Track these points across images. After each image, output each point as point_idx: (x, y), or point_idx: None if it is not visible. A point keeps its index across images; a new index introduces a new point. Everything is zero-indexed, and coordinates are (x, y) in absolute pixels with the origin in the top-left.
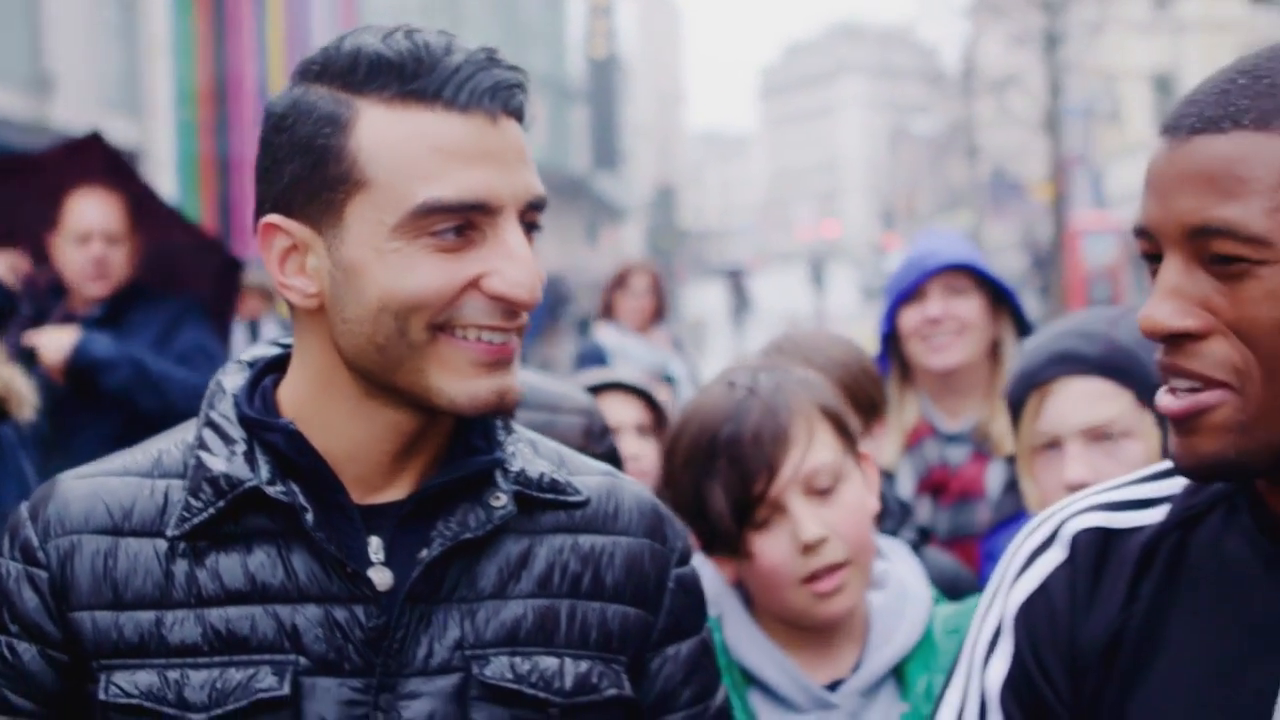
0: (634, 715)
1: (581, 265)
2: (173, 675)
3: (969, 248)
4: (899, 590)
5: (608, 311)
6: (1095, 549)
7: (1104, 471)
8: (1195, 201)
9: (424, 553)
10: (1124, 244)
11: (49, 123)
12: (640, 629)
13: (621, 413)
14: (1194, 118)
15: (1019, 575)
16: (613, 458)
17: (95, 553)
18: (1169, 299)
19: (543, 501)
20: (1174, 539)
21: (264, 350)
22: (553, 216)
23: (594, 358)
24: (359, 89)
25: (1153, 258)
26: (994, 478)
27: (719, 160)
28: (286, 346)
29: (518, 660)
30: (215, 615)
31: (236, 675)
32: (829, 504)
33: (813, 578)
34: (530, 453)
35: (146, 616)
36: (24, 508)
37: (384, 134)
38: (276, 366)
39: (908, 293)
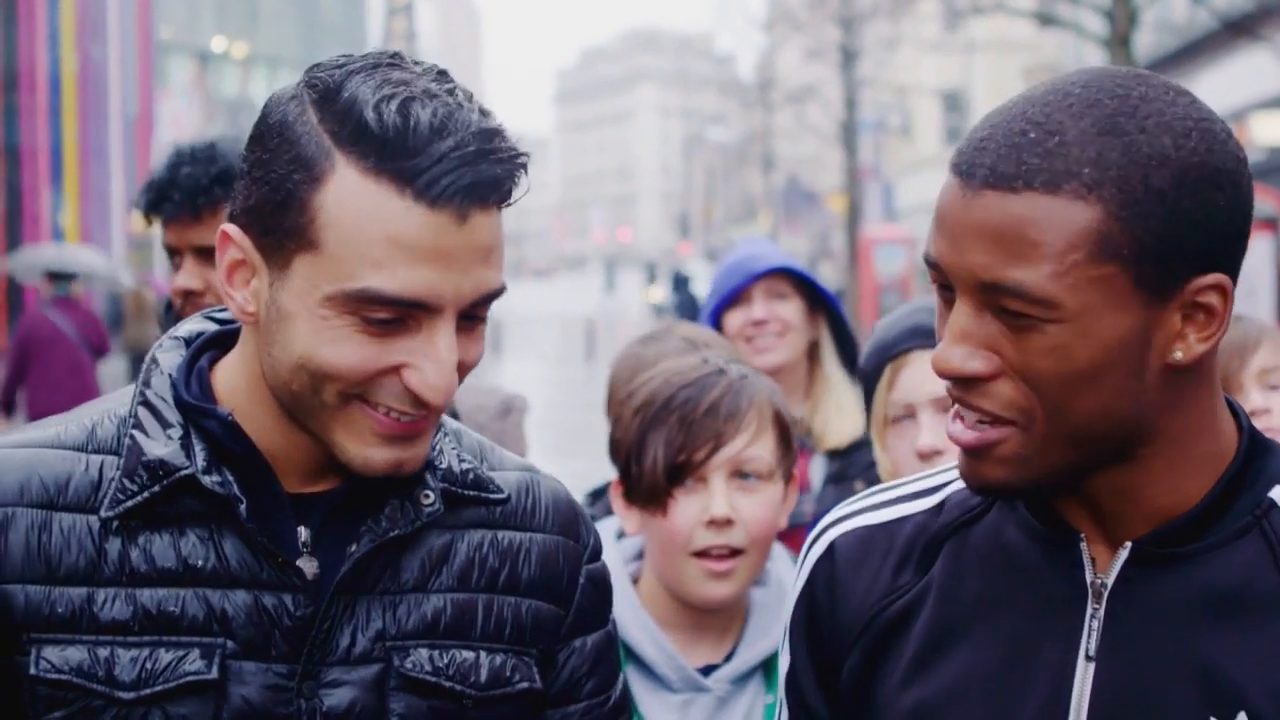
0: (541, 706)
1: None
2: (102, 653)
3: (787, 254)
4: (778, 589)
5: None
6: (857, 545)
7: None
8: (987, 258)
9: (353, 547)
10: (912, 255)
11: None
12: (551, 623)
13: None
14: (986, 169)
15: (795, 579)
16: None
17: (29, 526)
18: (960, 343)
19: (465, 498)
20: (959, 535)
21: (199, 325)
22: None
23: None
24: (343, 144)
25: (942, 287)
26: (816, 472)
27: None
28: (224, 322)
29: (436, 653)
30: (146, 595)
31: (166, 656)
32: (748, 494)
33: (707, 553)
34: (453, 447)
35: (78, 592)
36: None
37: (348, 204)
38: (213, 343)
39: (732, 295)
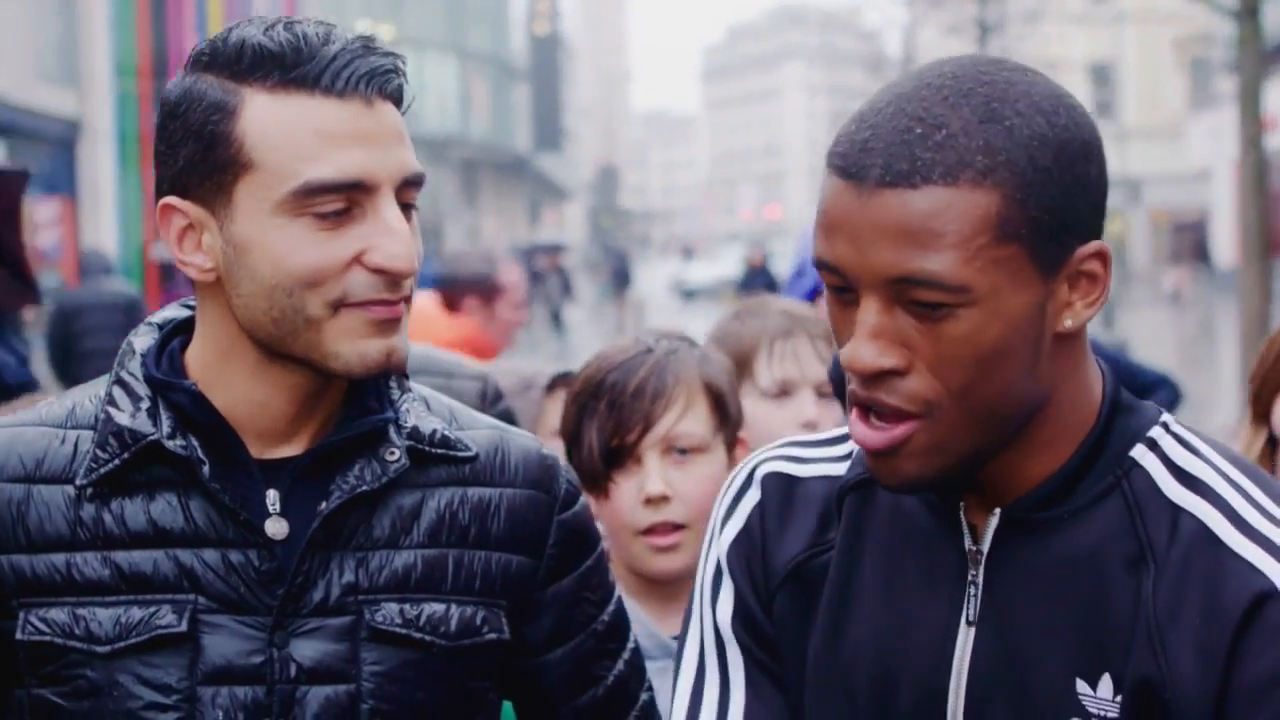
0: (509, 655)
1: (523, 243)
2: (82, 612)
3: None
4: None
5: None
6: (782, 489)
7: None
8: (894, 254)
9: (323, 505)
10: None
11: None
12: (524, 574)
13: None
14: (880, 169)
15: (726, 517)
16: (508, 420)
17: (9, 500)
18: (872, 340)
19: (434, 456)
20: (859, 495)
21: (174, 312)
22: (495, 195)
23: None
24: (244, 78)
25: (839, 289)
26: None
27: (662, 141)
28: (192, 308)
29: (407, 607)
30: (120, 557)
31: (139, 613)
32: (683, 469)
33: (650, 530)
34: (423, 410)
35: (58, 558)
36: None
37: (267, 119)
38: (184, 328)
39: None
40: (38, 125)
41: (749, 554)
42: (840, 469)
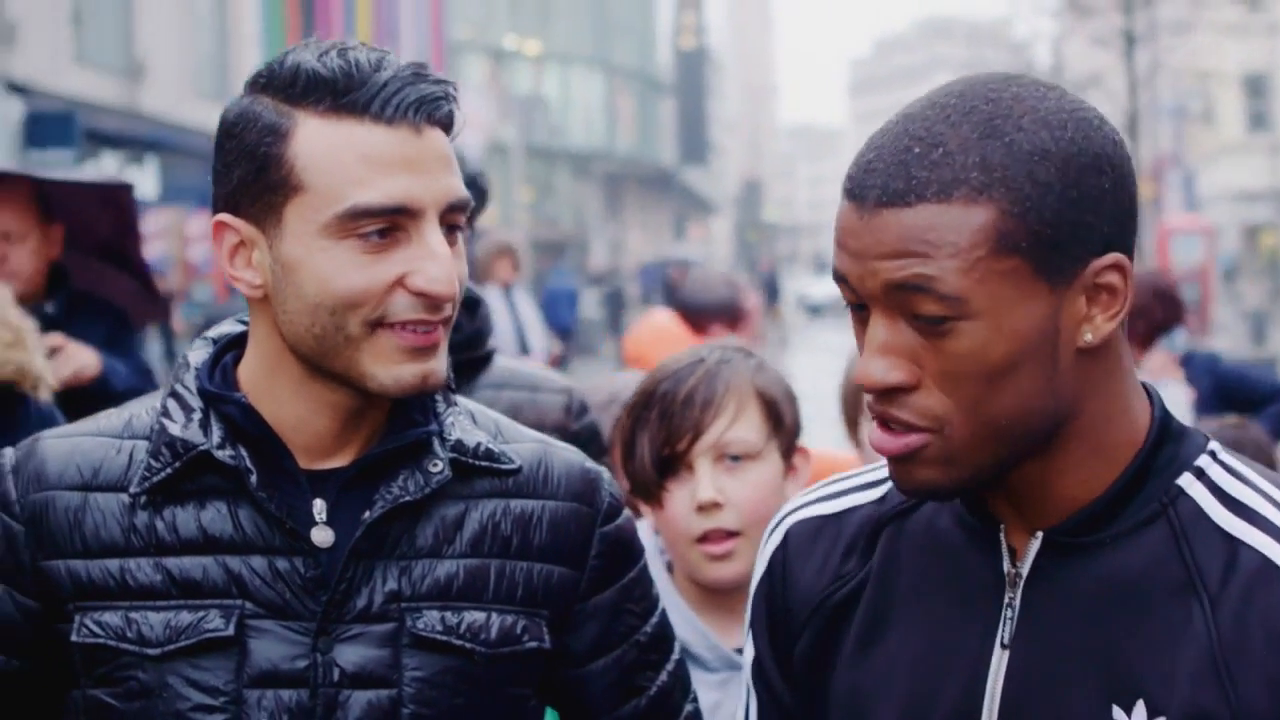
0: (552, 664)
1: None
2: (134, 616)
3: None
4: None
5: None
6: (808, 533)
7: None
8: (892, 265)
9: (366, 514)
10: (1211, 246)
11: (140, 109)
12: (565, 585)
13: None
14: (878, 189)
15: (756, 569)
16: (593, 433)
17: (66, 508)
18: (880, 355)
19: (478, 469)
20: (896, 525)
21: (229, 327)
22: (640, 209)
23: None
24: (298, 102)
25: (855, 306)
26: None
27: (809, 154)
28: (247, 323)
29: (448, 614)
30: (171, 563)
31: (188, 617)
32: (735, 476)
33: (704, 538)
34: (468, 423)
35: (112, 564)
36: (8, 460)
37: (318, 143)
38: (238, 343)
39: None
40: (191, 141)
41: (770, 601)
42: (872, 496)
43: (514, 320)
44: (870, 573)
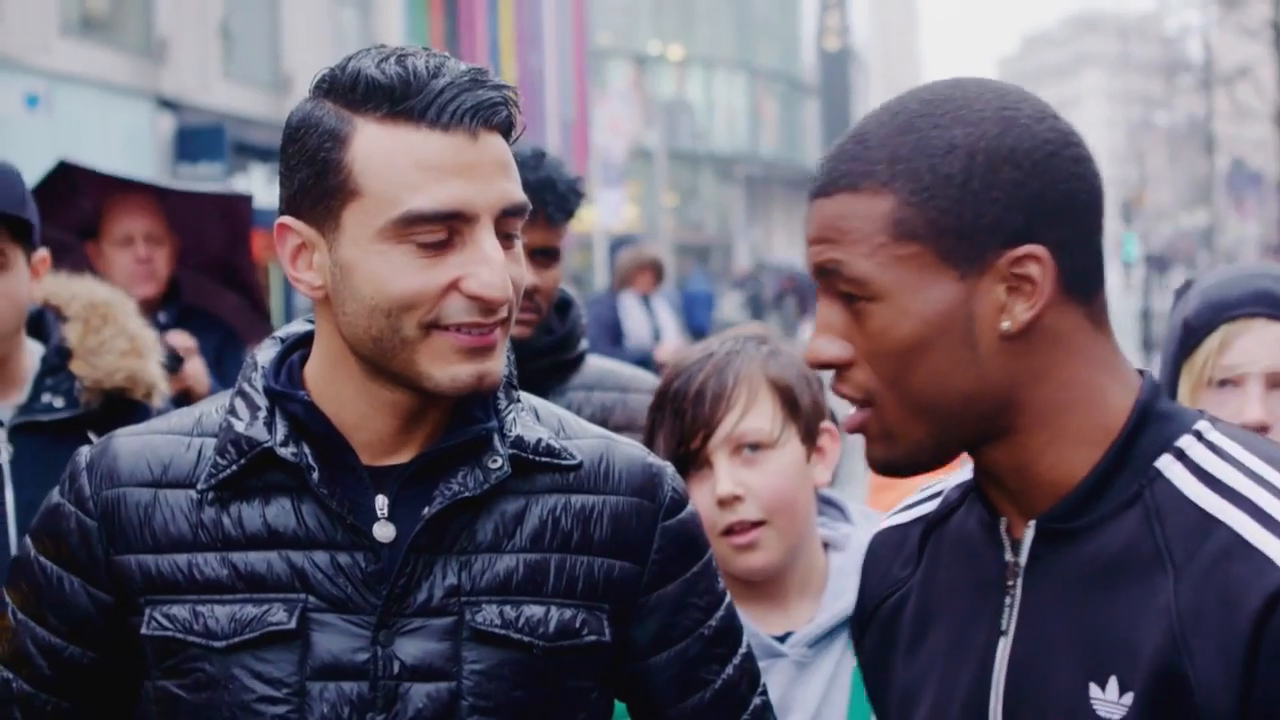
0: (612, 659)
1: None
2: (201, 609)
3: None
4: (857, 552)
5: None
6: (885, 543)
7: (1278, 417)
8: (815, 250)
9: (426, 509)
10: None
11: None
12: (627, 579)
13: None
14: (816, 184)
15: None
16: None
17: (137, 504)
18: (822, 334)
19: (538, 464)
20: (939, 529)
21: (297, 327)
22: (784, 212)
23: None
24: (357, 107)
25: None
26: None
27: None
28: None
29: (507, 608)
30: (237, 557)
31: (253, 610)
32: (754, 466)
33: (729, 531)
34: (530, 420)
35: (181, 558)
36: (83, 457)
37: (375, 149)
38: (305, 342)
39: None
40: None
41: (859, 612)
42: (933, 506)
43: (651, 322)
44: (917, 578)
